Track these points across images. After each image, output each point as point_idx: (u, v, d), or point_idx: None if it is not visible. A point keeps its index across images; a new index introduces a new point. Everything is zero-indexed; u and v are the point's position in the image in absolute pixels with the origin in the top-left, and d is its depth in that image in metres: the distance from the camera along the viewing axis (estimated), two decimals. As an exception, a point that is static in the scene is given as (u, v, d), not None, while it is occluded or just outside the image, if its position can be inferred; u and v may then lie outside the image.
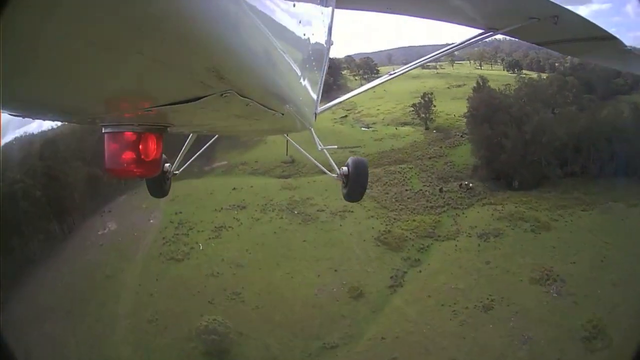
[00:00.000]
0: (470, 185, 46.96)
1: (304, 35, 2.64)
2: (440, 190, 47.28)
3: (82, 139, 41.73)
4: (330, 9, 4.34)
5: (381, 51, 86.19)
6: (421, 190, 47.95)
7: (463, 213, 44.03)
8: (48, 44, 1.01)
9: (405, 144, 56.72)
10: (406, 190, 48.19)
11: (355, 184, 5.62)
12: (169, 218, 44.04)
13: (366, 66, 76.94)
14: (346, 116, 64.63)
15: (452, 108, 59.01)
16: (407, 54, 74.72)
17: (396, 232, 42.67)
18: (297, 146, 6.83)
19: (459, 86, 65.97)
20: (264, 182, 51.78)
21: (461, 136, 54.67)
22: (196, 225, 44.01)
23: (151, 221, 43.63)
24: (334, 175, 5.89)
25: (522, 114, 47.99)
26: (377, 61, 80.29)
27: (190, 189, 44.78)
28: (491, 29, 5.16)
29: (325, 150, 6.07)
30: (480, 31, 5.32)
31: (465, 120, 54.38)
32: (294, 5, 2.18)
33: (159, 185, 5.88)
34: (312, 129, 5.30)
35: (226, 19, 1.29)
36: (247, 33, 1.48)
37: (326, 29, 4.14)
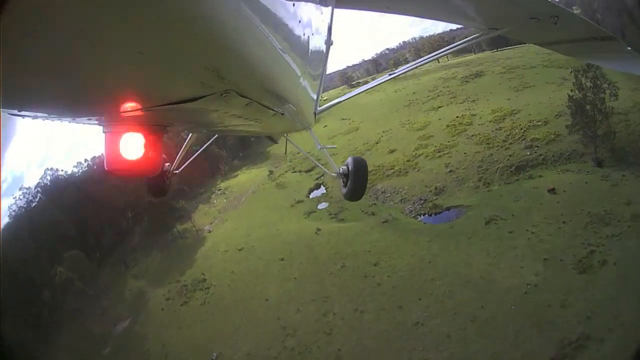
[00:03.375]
0: None
1: (304, 35, 2.50)
2: None
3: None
4: (330, 8, 4.10)
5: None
6: None
7: None
8: (48, 44, 1.01)
9: None
10: None
11: (355, 183, 5.60)
12: None
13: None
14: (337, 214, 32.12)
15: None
16: (338, 76, 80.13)
17: None
18: (297, 145, 7.01)
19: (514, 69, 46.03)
20: None
21: None
22: None
23: None
24: (333, 174, 5.81)
25: None
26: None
27: None
28: (491, 29, 5.06)
29: (324, 149, 6.03)
30: (480, 31, 5.28)
31: None
32: (294, 5, 2.04)
33: (159, 185, 5.81)
34: (311, 128, 5.43)
35: (226, 19, 1.25)
36: (247, 33, 1.43)
37: (326, 29, 3.96)
